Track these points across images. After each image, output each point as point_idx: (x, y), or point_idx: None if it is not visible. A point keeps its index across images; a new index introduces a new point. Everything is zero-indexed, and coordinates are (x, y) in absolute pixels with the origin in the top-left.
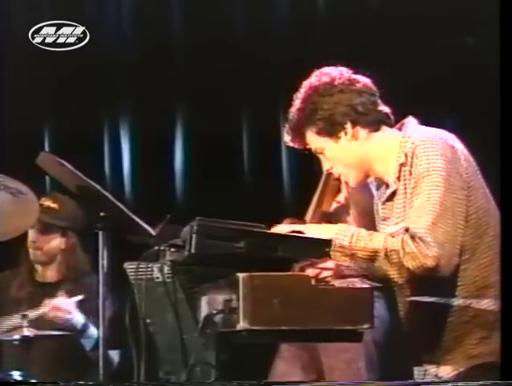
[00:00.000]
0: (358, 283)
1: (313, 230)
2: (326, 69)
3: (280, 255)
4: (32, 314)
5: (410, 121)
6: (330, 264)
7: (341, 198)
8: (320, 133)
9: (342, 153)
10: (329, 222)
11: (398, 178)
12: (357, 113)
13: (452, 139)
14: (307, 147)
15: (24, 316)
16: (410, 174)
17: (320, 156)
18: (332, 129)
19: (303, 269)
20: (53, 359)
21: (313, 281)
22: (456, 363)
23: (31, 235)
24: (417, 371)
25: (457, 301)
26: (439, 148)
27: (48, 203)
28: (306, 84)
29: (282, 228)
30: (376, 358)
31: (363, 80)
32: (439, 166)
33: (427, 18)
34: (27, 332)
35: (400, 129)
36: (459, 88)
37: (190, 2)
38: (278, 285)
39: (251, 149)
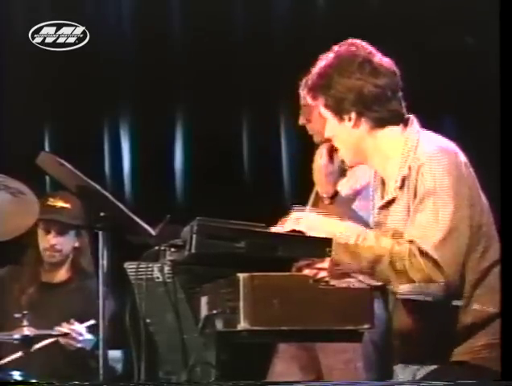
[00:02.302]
0: (356, 283)
1: (321, 223)
2: (357, 43)
3: (280, 255)
4: (42, 343)
5: (414, 124)
6: (327, 264)
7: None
8: (327, 106)
9: (342, 134)
10: None
11: (400, 188)
12: (365, 107)
13: (454, 154)
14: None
15: (24, 315)
16: (415, 191)
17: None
18: (337, 111)
19: (300, 269)
20: (53, 359)
21: (311, 281)
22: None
23: (50, 239)
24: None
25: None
26: (445, 166)
27: (60, 203)
28: (335, 50)
29: (292, 218)
30: (374, 358)
31: (386, 70)
32: (446, 184)
33: (427, 18)
34: (27, 332)
35: (402, 128)
36: (459, 88)
37: (190, 1)
38: (279, 286)
39: (251, 148)
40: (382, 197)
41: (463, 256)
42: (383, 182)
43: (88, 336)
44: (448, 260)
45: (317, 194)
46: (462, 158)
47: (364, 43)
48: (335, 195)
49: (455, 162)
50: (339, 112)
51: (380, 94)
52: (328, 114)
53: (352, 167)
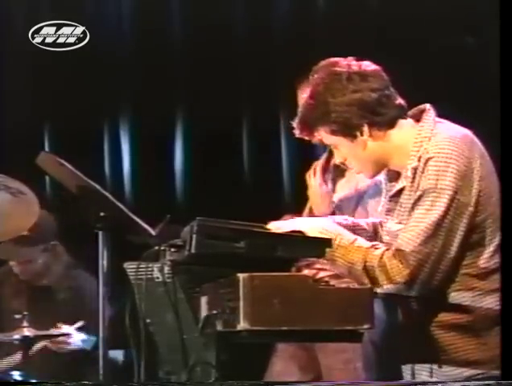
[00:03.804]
0: (355, 283)
1: (299, 224)
2: (333, 61)
3: (280, 255)
4: (35, 348)
5: (429, 114)
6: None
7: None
8: (334, 133)
9: (358, 152)
10: None
11: (409, 178)
12: (373, 114)
13: (469, 144)
14: (318, 139)
15: (24, 316)
16: (418, 185)
17: (333, 149)
18: (347, 131)
19: (300, 270)
20: (53, 359)
21: (311, 281)
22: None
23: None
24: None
25: (454, 305)
26: (453, 162)
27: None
28: (314, 78)
29: (274, 225)
30: (373, 358)
31: (374, 72)
32: (447, 184)
33: (427, 18)
34: (27, 332)
35: (417, 120)
36: (459, 88)
37: (190, 1)
38: (279, 285)
39: (251, 149)
40: (393, 186)
41: (451, 253)
42: (397, 177)
43: (80, 337)
44: (422, 262)
45: (311, 209)
46: (477, 151)
47: (338, 58)
48: (332, 215)
49: (466, 157)
50: (349, 131)
51: (379, 94)
52: (337, 140)
53: (373, 177)
